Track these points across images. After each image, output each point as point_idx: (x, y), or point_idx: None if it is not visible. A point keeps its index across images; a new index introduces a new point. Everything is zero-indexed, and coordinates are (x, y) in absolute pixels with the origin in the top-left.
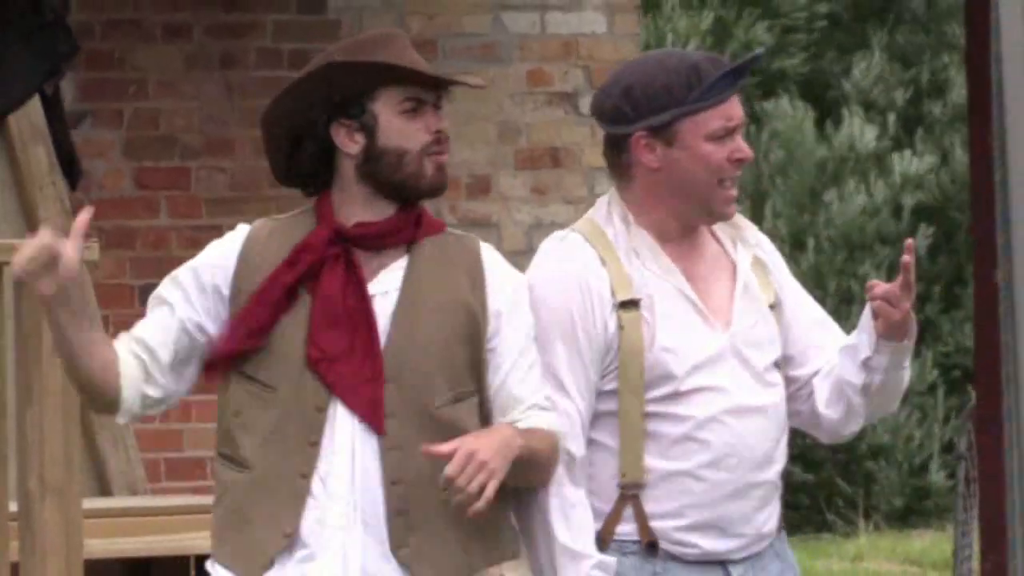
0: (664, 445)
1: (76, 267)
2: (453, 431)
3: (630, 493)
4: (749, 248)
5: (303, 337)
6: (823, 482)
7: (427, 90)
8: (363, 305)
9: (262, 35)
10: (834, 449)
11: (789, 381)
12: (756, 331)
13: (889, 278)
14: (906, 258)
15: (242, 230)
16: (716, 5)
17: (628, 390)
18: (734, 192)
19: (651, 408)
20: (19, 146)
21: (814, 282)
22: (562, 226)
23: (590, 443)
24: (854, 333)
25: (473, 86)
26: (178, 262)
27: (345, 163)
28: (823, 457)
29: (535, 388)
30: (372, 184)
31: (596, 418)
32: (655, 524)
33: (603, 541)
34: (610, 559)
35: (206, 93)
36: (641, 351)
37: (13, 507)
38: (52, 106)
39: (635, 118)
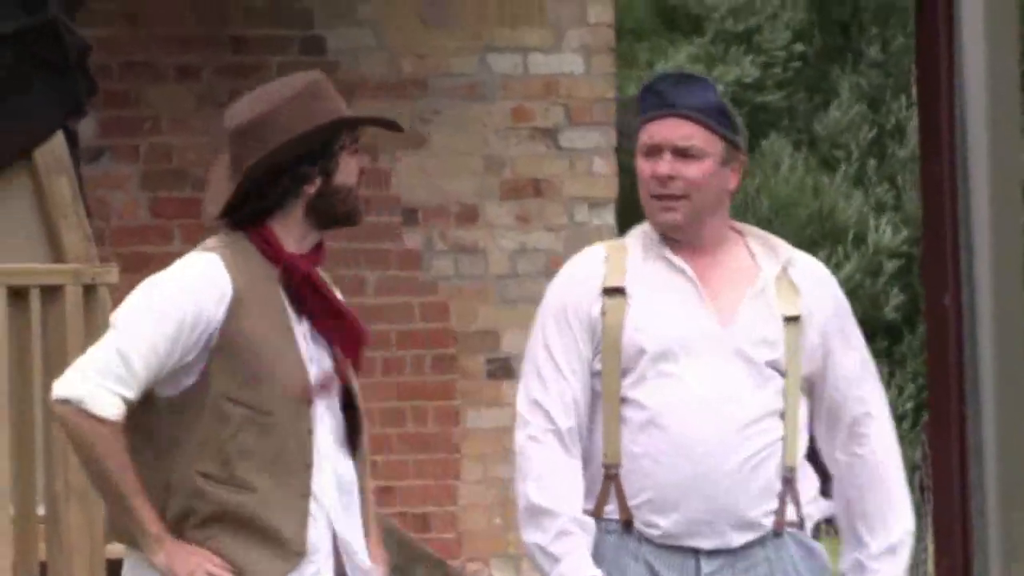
0: (633, 429)
1: None
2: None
3: (612, 473)
4: (778, 262)
5: (295, 360)
6: None
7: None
8: (342, 322)
9: (267, 75)
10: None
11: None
12: (759, 329)
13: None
14: None
15: (219, 267)
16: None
17: (607, 372)
18: (670, 204)
19: (625, 393)
20: (44, 177)
21: None
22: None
23: (590, 424)
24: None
25: (398, 130)
26: None
27: (296, 200)
28: None
29: None
30: (317, 218)
31: (594, 400)
32: (630, 504)
33: (595, 519)
34: (588, 519)
35: (215, 129)
36: (620, 335)
37: (41, 510)
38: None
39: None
